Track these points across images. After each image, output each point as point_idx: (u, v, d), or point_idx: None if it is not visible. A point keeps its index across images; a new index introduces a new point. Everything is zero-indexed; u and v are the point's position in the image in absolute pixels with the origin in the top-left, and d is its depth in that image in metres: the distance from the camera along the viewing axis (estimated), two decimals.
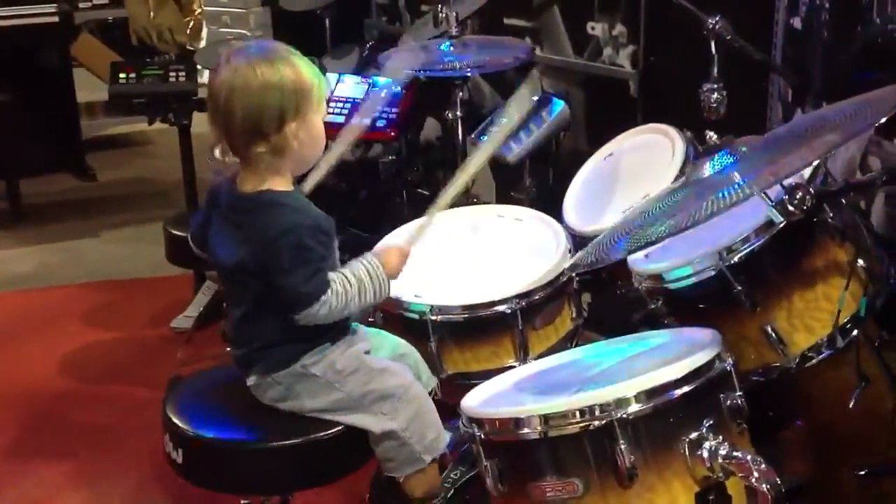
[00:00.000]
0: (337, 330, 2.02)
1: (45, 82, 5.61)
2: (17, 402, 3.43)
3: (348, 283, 1.95)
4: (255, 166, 1.94)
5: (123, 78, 3.87)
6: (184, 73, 3.86)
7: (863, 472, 2.05)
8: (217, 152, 3.66)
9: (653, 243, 1.67)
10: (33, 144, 5.49)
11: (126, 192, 5.65)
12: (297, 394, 2.01)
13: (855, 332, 1.93)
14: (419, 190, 3.67)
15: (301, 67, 1.92)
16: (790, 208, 1.74)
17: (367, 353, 2.09)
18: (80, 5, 5.67)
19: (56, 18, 5.20)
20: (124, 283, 4.44)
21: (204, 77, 4.20)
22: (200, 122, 4.10)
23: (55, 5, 5.22)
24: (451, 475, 2.41)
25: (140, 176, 5.90)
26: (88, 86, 6.21)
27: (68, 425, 3.30)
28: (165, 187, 5.57)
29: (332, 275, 1.94)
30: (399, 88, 2.93)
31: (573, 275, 2.33)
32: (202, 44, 7.65)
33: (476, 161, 2.20)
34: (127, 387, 3.52)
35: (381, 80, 2.98)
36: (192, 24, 8.04)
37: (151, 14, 7.86)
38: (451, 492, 2.40)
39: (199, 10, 7.90)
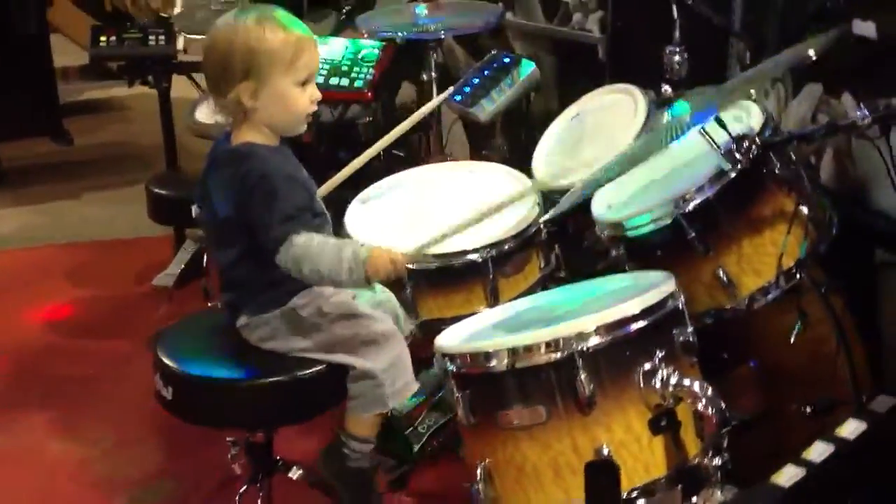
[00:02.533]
0: None
1: (23, 47, 5.62)
2: (1, 356, 3.52)
3: (323, 244, 2.01)
4: (235, 121, 2.08)
5: (104, 41, 3.94)
6: (163, 37, 3.95)
7: (809, 408, 2.20)
8: (199, 112, 3.74)
9: (610, 179, 1.79)
10: (11, 109, 5.51)
11: (104, 156, 5.70)
12: (285, 334, 2.13)
13: (798, 276, 2.08)
14: (395, 152, 3.78)
15: (279, 32, 2.04)
16: (738, 156, 1.87)
17: (353, 298, 2.20)
18: None
19: None
20: (105, 243, 4.52)
21: (181, 42, 4.29)
22: (179, 85, 4.20)
23: None
24: (427, 421, 2.57)
25: (117, 140, 5.94)
26: (62, 51, 6.26)
27: (54, 377, 3.39)
28: (142, 151, 5.63)
29: (310, 234, 2.02)
30: (376, 51, 3.04)
31: (541, 226, 2.46)
32: (176, 10, 7.66)
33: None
34: (111, 341, 3.61)
35: (361, 42, 3.09)
36: None
37: None
38: (427, 436, 2.56)
39: None
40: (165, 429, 2.97)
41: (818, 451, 1.81)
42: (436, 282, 2.40)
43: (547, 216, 2.31)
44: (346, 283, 2.04)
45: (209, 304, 3.54)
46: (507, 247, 2.39)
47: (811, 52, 1.71)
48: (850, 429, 1.87)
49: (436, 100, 2.82)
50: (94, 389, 3.30)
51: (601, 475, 1.51)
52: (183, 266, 3.95)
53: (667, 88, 1.88)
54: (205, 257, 3.79)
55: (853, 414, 1.96)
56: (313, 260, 2.00)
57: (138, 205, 4.66)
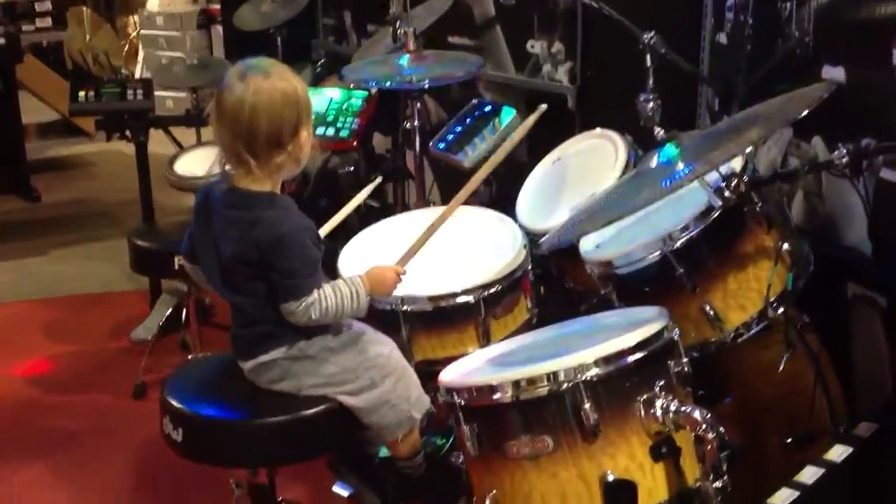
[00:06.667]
0: None
1: None
2: None
3: (333, 295, 2.12)
4: (267, 171, 2.10)
5: (83, 96, 4.00)
6: (141, 92, 4.01)
7: (789, 440, 2.30)
8: (178, 165, 3.80)
9: (608, 223, 1.88)
10: None
11: (71, 213, 5.73)
12: (295, 373, 2.19)
13: (781, 311, 2.18)
14: (370, 202, 3.86)
15: (300, 81, 2.13)
16: (727, 194, 1.98)
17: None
18: (24, 28, 5.75)
19: (3, 41, 5.30)
20: (78, 298, 4.54)
21: None
22: (155, 139, 4.25)
23: (1, 27, 5.32)
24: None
25: (83, 197, 5.98)
26: (27, 108, 6.29)
27: (38, 432, 3.40)
28: (109, 207, 5.67)
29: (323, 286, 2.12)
30: (360, 101, 3.13)
31: (529, 268, 2.55)
32: (138, 67, 7.77)
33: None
34: (92, 395, 3.64)
35: (345, 92, 3.18)
36: (127, 47, 8.15)
37: (87, 37, 7.97)
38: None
39: (135, 34, 8.02)
40: (156, 479, 3.01)
41: (809, 474, 1.91)
42: (430, 323, 2.47)
43: (543, 244, 2.37)
44: (355, 313, 2.19)
45: (189, 357, 3.57)
46: (497, 288, 2.47)
47: (803, 113, 1.81)
48: (838, 453, 1.98)
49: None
50: (81, 443, 3.32)
51: (620, 495, 1.58)
52: (163, 320, 3.97)
53: (659, 131, 2.00)
54: (184, 310, 3.83)
55: (838, 440, 2.07)
56: (330, 310, 2.11)
57: (108, 260, 4.69)
